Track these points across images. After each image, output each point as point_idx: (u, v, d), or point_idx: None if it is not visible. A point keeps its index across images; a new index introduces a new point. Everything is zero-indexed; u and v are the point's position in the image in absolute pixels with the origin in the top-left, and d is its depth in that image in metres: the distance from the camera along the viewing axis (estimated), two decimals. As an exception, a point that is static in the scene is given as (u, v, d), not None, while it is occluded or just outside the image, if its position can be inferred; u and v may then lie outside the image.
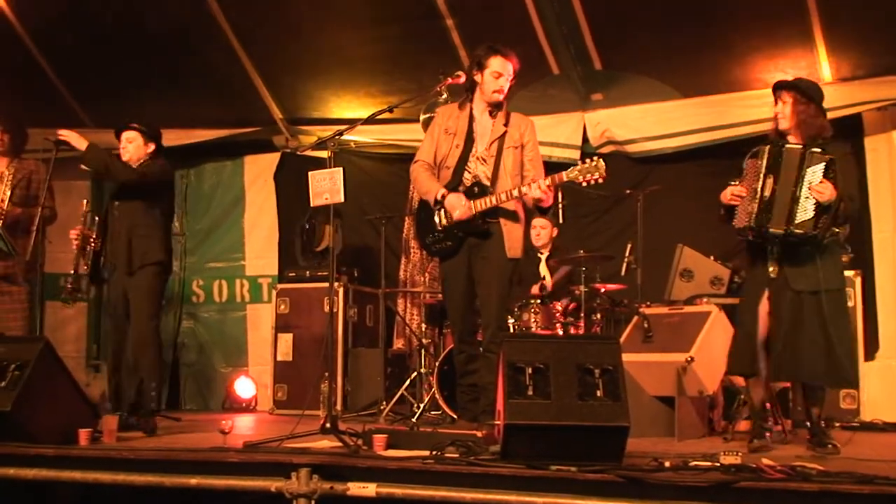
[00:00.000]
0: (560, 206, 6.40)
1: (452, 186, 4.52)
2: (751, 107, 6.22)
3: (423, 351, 6.35)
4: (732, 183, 4.34)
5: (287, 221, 7.80)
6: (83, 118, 7.57)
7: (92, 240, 5.13)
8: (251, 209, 8.09)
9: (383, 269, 6.69)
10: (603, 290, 6.04)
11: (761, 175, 4.19)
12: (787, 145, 4.20)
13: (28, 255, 5.25)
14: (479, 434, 3.82)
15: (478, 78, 4.53)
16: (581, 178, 4.31)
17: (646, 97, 6.68)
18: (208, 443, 4.08)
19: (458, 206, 4.43)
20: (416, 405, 6.07)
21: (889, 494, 2.81)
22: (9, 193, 5.59)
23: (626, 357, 3.65)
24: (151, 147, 5.18)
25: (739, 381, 4.70)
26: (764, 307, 4.22)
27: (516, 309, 5.89)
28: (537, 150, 4.63)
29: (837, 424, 5.52)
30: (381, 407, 6.20)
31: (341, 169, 4.27)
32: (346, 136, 4.80)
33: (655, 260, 6.18)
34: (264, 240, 8.02)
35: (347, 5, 6.42)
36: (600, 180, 4.29)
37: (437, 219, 4.56)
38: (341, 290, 6.88)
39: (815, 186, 4.06)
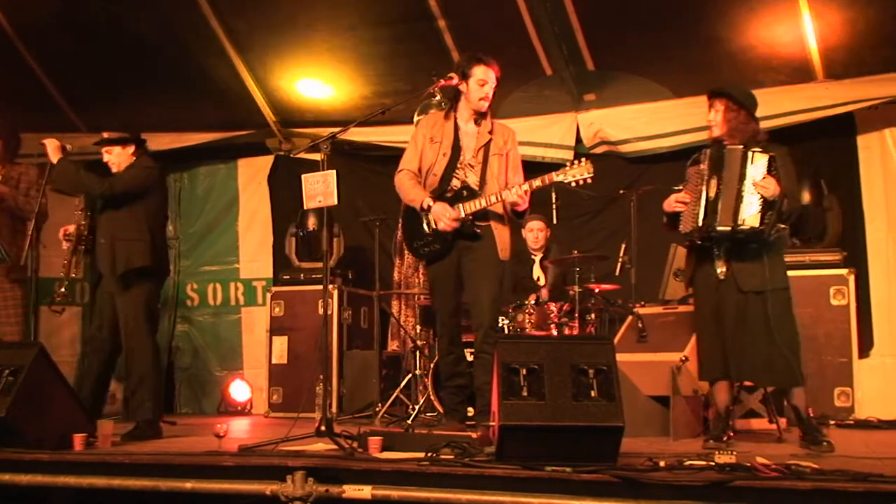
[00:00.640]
0: (554, 206, 6.41)
1: (440, 193, 4.63)
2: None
3: (417, 353, 6.35)
4: (675, 189, 4.44)
5: (281, 224, 7.78)
6: (76, 122, 7.56)
7: (84, 238, 5.06)
8: (245, 212, 8.09)
9: (378, 271, 6.69)
10: (597, 290, 6.05)
11: (705, 177, 4.29)
12: (729, 146, 4.31)
13: (22, 261, 5.24)
14: (473, 435, 3.83)
15: (462, 87, 4.66)
16: (569, 180, 4.46)
17: (638, 97, 6.70)
18: (203, 446, 4.08)
19: (443, 218, 4.54)
20: (411, 407, 6.07)
21: (883, 492, 2.81)
22: None
23: (620, 357, 3.65)
24: (131, 149, 5.12)
25: (704, 385, 4.71)
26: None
27: (511, 310, 5.90)
28: (518, 158, 4.81)
29: (832, 422, 5.55)
30: (377, 409, 6.20)
31: (335, 171, 4.27)
32: (339, 139, 4.81)
33: (649, 260, 6.18)
34: (258, 243, 8.02)
35: (341, 7, 6.41)
36: (589, 181, 4.45)
37: (424, 224, 4.66)
38: (336, 293, 6.88)
39: (759, 182, 4.17)
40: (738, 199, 4.19)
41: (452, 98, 4.77)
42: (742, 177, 4.20)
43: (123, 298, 4.93)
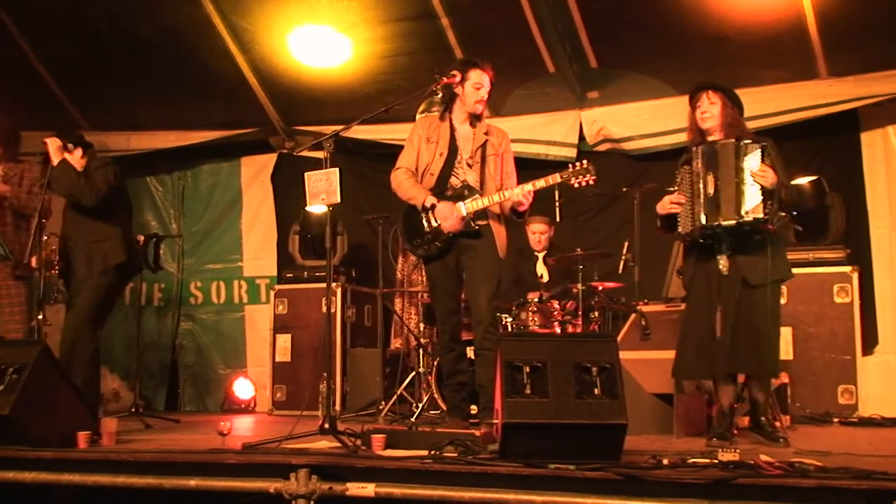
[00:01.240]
0: (557, 204, 6.39)
1: (438, 192, 4.71)
2: (746, 103, 6.16)
3: (421, 350, 6.35)
4: (668, 190, 4.42)
5: (284, 222, 7.79)
6: (80, 121, 7.57)
7: (56, 262, 5.11)
8: (248, 210, 8.09)
9: (381, 268, 6.69)
10: (600, 287, 6.05)
11: (701, 175, 4.27)
12: (720, 141, 4.31)
13: (26, 259, 5.24)
14: (477, 433, 3.83)
15: (458, 90, 4.77)
16: (572, 181, 4.57)
17: (641, 94, 6.69)
18: (207, 444, 4.08)
19: (449, 218, 4.62)
20: (414, 405, 6.08)
21: (887, 490, 2.81)
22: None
23: (623, 355, 3.66)
24: (79, 151, 5.19)
25: (709, 382, 4.70)
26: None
27: (514, 308, 5.90)
28: (512, 160, 4.92)
29: (836, 420, 5.54)
30: (380, 407, 6.21)
31: (338, 169, 4.27)
32: (342, 136, 4.81)
33: (652, 257, 6.18)
34: (262, 241, 8.03)
35: (342, 6, 6.41)
36: (591, 182, 4.50)
37: (424, 222, 4.71)
38: (339, 291, 6.89)
39: (756, 172, 4.17)
40: (739, 192, 4.17)
41: (447, 101, 4.88)
42: (739, 169, 4.20)
43: (83, 287, 5.00)
